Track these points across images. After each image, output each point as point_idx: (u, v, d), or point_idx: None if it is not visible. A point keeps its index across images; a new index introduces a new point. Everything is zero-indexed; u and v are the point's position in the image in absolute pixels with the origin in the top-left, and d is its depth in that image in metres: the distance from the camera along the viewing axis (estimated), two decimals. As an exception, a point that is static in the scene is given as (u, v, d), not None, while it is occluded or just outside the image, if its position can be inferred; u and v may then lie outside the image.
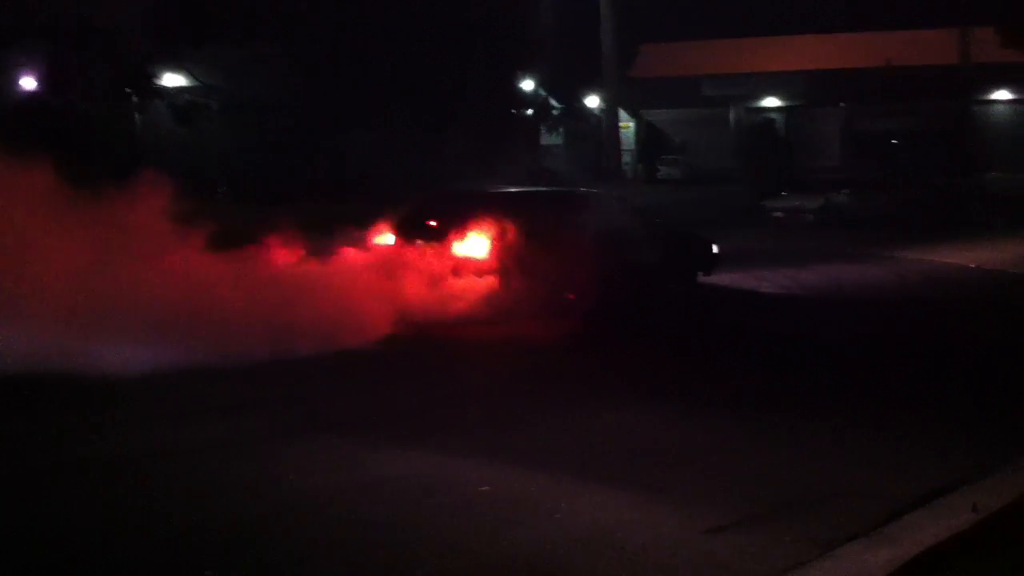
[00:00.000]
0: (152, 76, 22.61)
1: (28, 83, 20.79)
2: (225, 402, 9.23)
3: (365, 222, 13.82)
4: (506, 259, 13.23)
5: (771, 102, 43.66)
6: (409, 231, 13.82)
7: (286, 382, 10.05)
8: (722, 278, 16.80)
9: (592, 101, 42.91)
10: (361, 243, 13.56)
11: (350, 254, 13.30)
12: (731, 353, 11.98)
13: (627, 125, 47.16)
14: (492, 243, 13.32)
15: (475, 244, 13.40)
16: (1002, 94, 39.15)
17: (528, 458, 7.55)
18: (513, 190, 15.69)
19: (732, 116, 43.67)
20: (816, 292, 16.77)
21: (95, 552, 5.97)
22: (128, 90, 22.37)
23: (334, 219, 14.26)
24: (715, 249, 16.13)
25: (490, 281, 13.10)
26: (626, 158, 49.25)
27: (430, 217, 14.08)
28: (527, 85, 35.06)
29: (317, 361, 10.67)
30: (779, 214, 30.67)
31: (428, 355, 11.47)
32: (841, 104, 42.23)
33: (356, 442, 7.89)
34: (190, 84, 24.11)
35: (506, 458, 7.50)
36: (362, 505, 6.58)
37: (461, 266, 13.22)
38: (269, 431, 8.34)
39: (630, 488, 6.86)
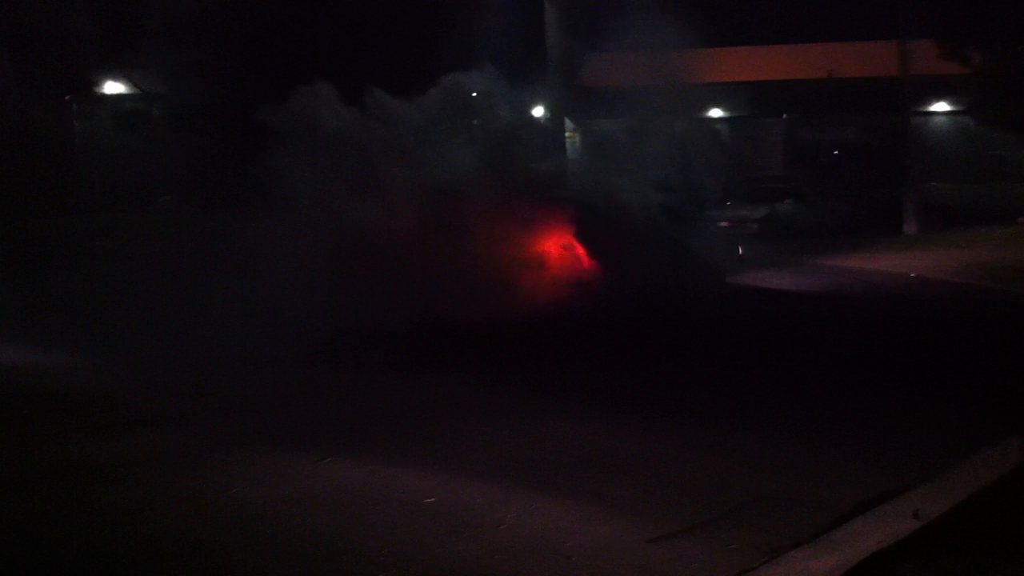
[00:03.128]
0: (93, 83, 22.34)
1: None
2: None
3: None
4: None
5: (715, 113, 43.98)
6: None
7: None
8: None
9: (538, 111, 43.04)
10: None
11: None
12: (680, 360, 12.05)
13: (573, 135, 47.34)
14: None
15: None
16: (941, 106, 39.86)
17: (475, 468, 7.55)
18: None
19: (677, 127, 44.00)
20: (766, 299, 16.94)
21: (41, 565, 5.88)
22: (67, 97, 22.07)
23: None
24: (740, 251, 16.96)
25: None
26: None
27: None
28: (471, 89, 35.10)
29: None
30: (724, 224, 30.97)
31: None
32: (784, 115, 42.72)
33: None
34: (131, 91, 23.83)
35: (453, 468, 7.50)
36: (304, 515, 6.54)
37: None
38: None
39: (577, 497, 6.86)
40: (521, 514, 6.53)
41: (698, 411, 9.35)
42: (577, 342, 13.13)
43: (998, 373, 10.56)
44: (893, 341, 13.11)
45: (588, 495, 6.90)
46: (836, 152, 40.66)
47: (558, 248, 15.30)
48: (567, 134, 43.92)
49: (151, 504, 6.83)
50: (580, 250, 15.33)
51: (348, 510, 6.64)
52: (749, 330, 14.24)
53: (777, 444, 8.17)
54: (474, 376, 10.99)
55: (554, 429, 8.64)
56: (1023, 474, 6.98)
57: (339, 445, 8.12)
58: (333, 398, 10.26)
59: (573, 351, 12.59)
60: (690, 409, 9.44)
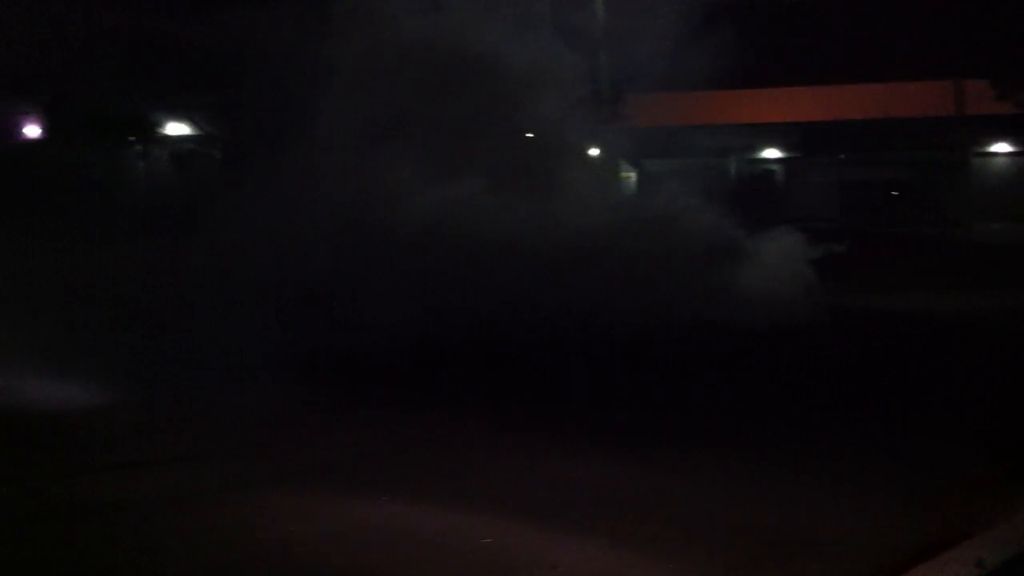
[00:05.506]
0: (156, 125, 22.89)
1: (32, 131, 21.03)
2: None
3: None
4: None
5: (769, 153, 43.92)
6: None
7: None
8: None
9: (593, 152, 43.26)
10: None
11: None
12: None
13: (628, 175, 47.50)
14: None
15: None
16: (998, 146, 39.44)
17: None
18: None
19: (731, 167, 43.97)
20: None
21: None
22: (132, 138, 22.61)
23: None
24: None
25: None
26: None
27: None
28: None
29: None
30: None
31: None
32: (838, 155, 42.50)
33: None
34: (190, 132, 24.35)
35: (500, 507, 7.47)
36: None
37: None
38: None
39: (624, 540, 6.77)
40: (575, 557, 6.51)
41: (732, 446, 9.24)
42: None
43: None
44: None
45: (636, 538, 6.81)
46: (895, 193, 40.34)
47: None
48: (624, 174, 44.15)
49: (196, 540, 6.85)
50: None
51: (400, 548, 6.65)
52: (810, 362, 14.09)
53: (811, 484, 8.02)
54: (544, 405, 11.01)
55: (583, 467, 8.56)
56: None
57: (386, 481, 8.12)
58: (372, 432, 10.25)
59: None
60: (724, 444, 9.32)
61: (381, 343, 13.27)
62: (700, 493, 7.83)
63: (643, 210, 18.01)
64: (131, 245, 15.27)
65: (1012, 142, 38.46)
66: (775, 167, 42.36)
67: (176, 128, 24.37)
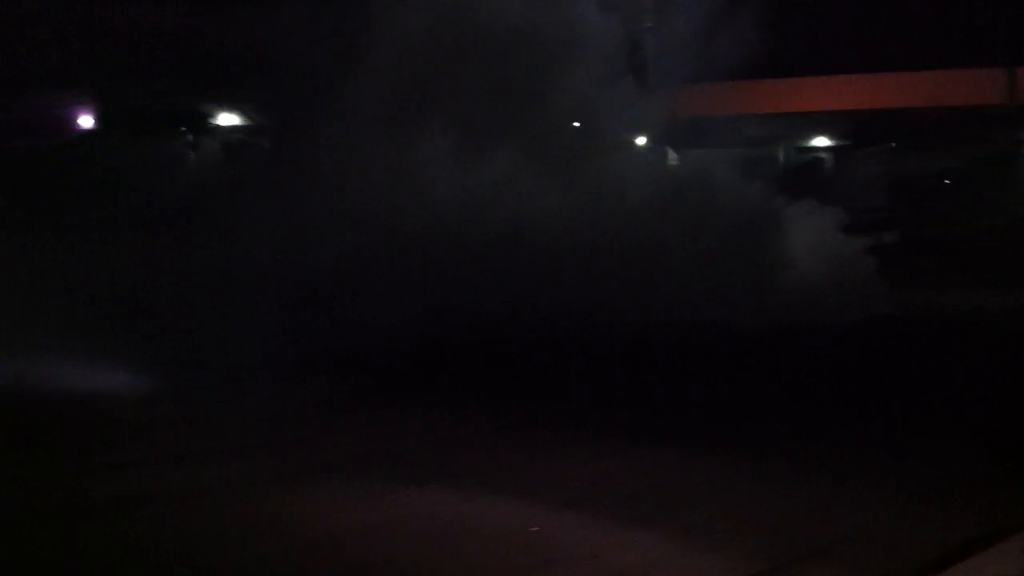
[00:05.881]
0: (208, 115, 23.14)
1: (85, 122, 21.36)
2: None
3: None
4: None
5: (818, 142, 43.52)
6: None
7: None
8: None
9: (640, 141, 43.14)
10: None
11: None
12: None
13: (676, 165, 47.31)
14: None
15: None
16: (1053, 135, 38.74)
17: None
18: None
19: (779, 156, 43.60)
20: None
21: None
22: (183, 128, 22.87)
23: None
24: None
25: None
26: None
27: None
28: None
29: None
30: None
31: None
32: (889, 144, 42.00)
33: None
34: (243, 123, 24.57)
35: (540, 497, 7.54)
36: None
37: None
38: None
39: (665, 531, 6.82)
40: (616, 545, 6.56)
41: (765, 441, 9.26)
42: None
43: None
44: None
45: (676, 529, 6.86)
46: (947, 181, 39.81)
47: None
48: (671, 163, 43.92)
49: (244, 530, 6.95)
50: None
51: (445, 538, 6.74)
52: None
53: (847, 479, 8.01)
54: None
55: (633, 458, 8.63)
56: None
57: (425, 473, 8.20)
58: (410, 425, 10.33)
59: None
60: (758, 438, 9.35)
61: (417, 339, 13.38)
62: (737, 488, 7.86)
63: (697, 203, 17.77)
64: (167, 240, 15.44)
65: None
66: (823, 156, 41.97)
67: (224, 119, 24.63)
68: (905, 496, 7.60)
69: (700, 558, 6.36)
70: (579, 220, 16.10)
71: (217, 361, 12.39)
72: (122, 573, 6.34)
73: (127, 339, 12.97)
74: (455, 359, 13.30)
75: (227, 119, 24.55)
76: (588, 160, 17.25)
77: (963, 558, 6.20)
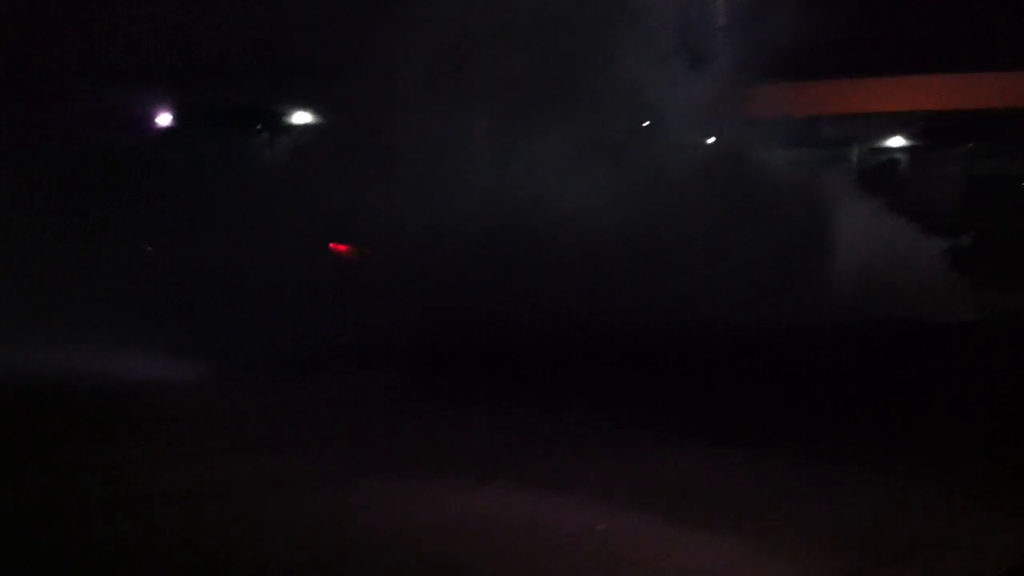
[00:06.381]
0: (282, 113, 23.46)
1: (164, 119, 21.79)
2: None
3: None
4: None
5: (893, 143, 42.83)
6: None
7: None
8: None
9: (709, 142, 42.74)
10: None
11: None
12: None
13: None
14: None
15: None
16: None
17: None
18: None
19: (853, 157, 42.92)
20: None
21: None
22: (259, 127, 23.22)
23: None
24: None
25: None
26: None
27: None
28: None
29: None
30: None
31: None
32: (965, 146, 41.18)
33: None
34: (315, 122, 24.85)
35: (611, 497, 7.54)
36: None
37: None
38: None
39: (734, 533, 6.79)
40: (685, 547, 6.55)
41: (839, 442, 9.17)
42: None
43: None
44: None
45: (747, 531, 6.82)
46: (1024, 183, 38.91)
47: None
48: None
49: (305, 525, 6.97)
50: None
51: (515, 535, 6.76)
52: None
53: (916, 482, 7.94)
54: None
55: (698, 459, 8.61)
56: None
57: (494, 469, 8.24)
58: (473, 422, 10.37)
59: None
60: (834, 439, 9.27)
61: (480, 334, 13.47)
62: (807, 491, 7.79)
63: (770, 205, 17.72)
64: (239, 234, 15.70)
65: None
66: (899, 157, 41.25)
67: (299, 117, 24.95)
68: (984, 501, 7.49)
69: (772, 562, 6.31)
70: (651, 219, 16.07)
71: (292, 352, 12.61)
72: (180, 563, 6.41)
73: (198, 332, 13.24)
74: (518, 355, 13.35)
75: (300, 117, 24.91)
76: (660, 161, 17.23)
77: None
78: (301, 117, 25.12)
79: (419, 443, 9.33)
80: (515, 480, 7.92)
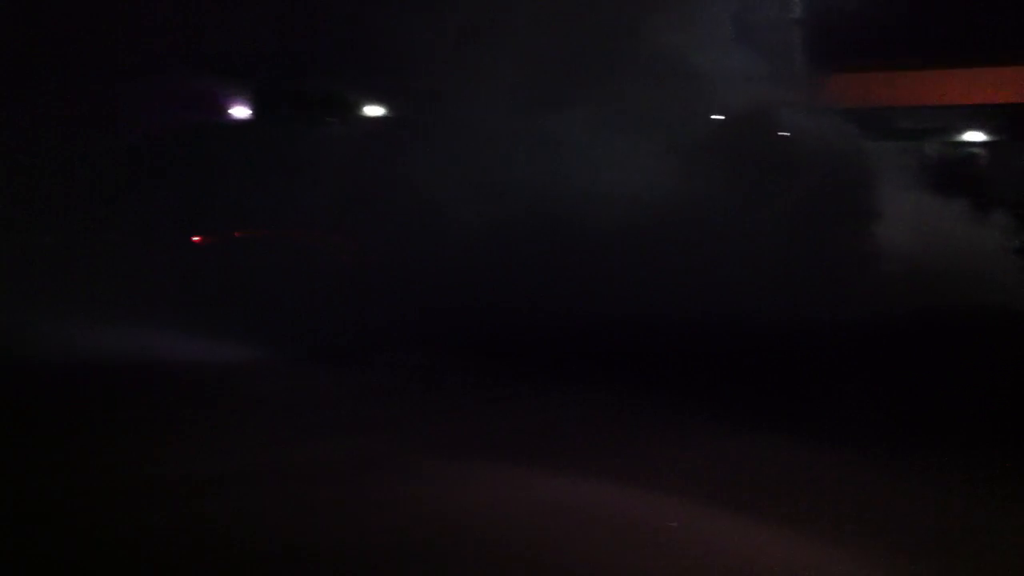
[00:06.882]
0: (355, 106, 23.78)
1: (240, 111, 22.28)
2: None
3: None
4: None
5: (970, 136, 41.95)
6: None
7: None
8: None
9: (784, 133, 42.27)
10: None
11: None
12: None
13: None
14: None
15: None
16: None
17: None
18: None
19: (929, 151, 42.06)
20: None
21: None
22: (331, 118, 23.50)
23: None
24: None
25: None
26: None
27: None
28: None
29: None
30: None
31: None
32: (1050, 138, 40.08)
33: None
34: (386, 114, 25.03)
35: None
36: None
37: None
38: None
39: (808, 529, 6.63)
40: (767, 547, 6.39)
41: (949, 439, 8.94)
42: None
43: None
44: None
45: (841, 532, 6.63)
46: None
47: None
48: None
49: (388, 509, 7.01)
50: None
51: (592, 528, 6.66)
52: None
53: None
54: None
55: (750, 447, 8.49)
56: None
57: (570, 459, 8.16)
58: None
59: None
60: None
61: (568, 323, 13.42)
62: (898, 487, 7.62)
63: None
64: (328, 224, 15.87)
65: None
66: (980, 151, 40.34)
67: (374, 110, 25.07)
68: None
69: (852, 563, 6.12)
70: (723, 209, 16.00)
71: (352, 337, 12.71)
72: (263, 547, 6.41)
73: (294, 318, 13.45)
74: (580, 341, 13.38)
75: (376, 109, 25.05)
76: (733, 150, 17.08)
77: None
78: (370, 107, 25.31)
79: (500, 429, 9.35)
80: (593, 469, 7.88)
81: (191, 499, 7.20)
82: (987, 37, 34.90)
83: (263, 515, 6.92)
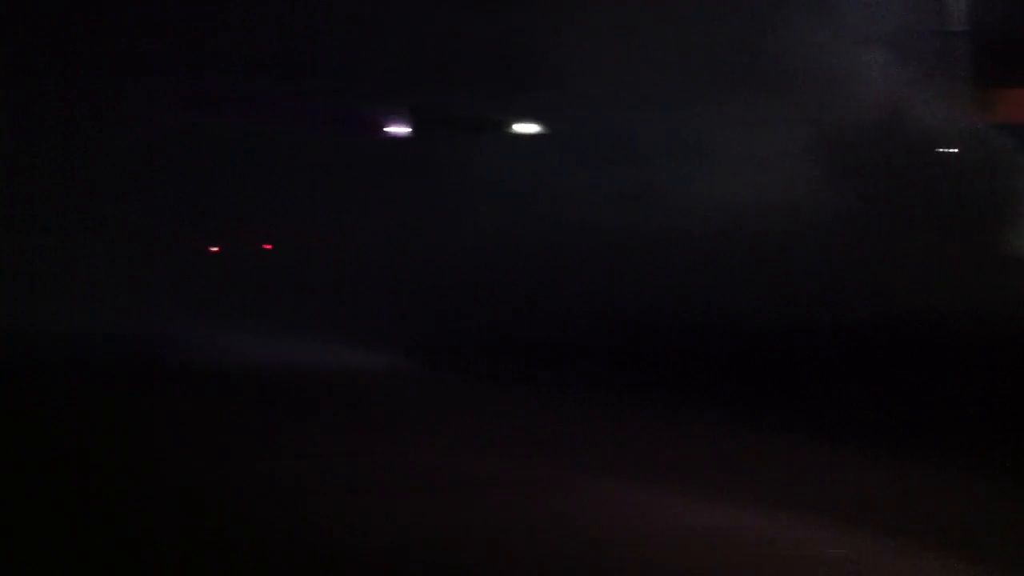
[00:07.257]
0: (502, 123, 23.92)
1: (398, 128, 22.75)
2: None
3: None
4: None
5: None
6: None
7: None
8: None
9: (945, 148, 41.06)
10: None
11: None
12: None
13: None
14: None
15: None
16: None
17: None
18: None
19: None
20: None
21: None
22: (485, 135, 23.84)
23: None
24: None
25: None
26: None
27: None
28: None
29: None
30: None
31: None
32: None
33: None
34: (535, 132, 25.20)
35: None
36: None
37: None
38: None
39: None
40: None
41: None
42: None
43: None
44: None
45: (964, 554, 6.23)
46: None
47: None
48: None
49: (526, 525, 6.94)
50: None
51: (750, 554, 6.44)
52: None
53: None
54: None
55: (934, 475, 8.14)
56: None
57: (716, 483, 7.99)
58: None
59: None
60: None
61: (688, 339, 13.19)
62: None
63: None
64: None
65: None
66: None
67: (522, 127, 25.29)
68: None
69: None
70: (881, 227, 15.69)
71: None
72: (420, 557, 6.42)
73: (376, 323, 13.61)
74: (731, 361, 13.05)
75: (523, 126, 25.26)
76: (899, 168, 16.69)
77: None
78: (520, 123, 25.49)
79: (632, 447, 9.20)
80: (735, 493, 7.64)
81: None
82: None
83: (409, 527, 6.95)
